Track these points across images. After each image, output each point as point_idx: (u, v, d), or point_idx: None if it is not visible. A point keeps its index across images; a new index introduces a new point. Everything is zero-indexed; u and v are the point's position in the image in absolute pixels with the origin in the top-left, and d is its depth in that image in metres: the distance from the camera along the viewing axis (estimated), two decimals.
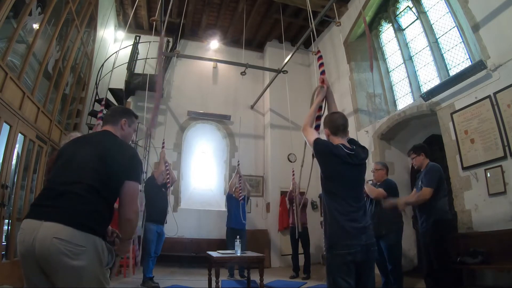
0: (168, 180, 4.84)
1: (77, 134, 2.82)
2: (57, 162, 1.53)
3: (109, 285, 1.39)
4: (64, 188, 1.35)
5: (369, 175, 3.22)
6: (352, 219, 1.78)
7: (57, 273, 1.22)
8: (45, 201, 1.35)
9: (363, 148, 2.01)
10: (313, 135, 2.00)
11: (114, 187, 1.45)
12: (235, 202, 5.58)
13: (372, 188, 3.62)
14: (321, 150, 1.91)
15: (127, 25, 5.60)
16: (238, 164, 6.09)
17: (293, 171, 6.05)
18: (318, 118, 2.26)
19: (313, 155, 2.06)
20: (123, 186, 1.46)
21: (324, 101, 2.30)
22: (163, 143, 5.31)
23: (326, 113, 2.26)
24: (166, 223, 4.71)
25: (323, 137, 2.02)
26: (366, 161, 2.02)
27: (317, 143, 1.93)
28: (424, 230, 3.14)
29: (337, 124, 1.99)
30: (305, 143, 2.19)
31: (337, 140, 1.96)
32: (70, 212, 1.30)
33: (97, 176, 1.41)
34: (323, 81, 2.32)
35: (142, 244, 4.63)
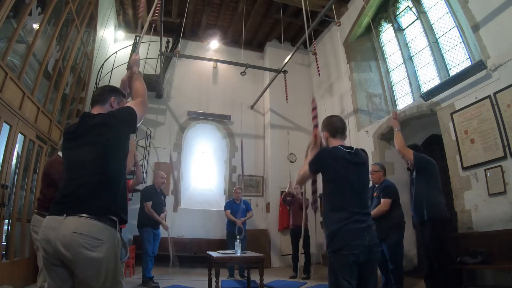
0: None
1: None
2: (64, 163, 1.57)
3: (123, 279, 1.47)
4: (75, 184, 1.42)
5: None
6: (355, 219, 1.78)
7: (78, 264, 1.32)
8: (63, 199, 1.43)
9: (363, 150, 2.04)
10: (305, 164, 2.04)
11: (115, 153, 1.49)
12: (235, 208, 5.55)
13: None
14: (320, 162, 1.95)
15: (128, 25, 5.59)
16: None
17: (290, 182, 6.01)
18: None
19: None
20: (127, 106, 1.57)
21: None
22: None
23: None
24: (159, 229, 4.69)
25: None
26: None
27: (313, 161, 1.97)
28: (422, 224, 3.13)
29: (336, 126, 2.03)
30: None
31: (335, 142, 2.00)
32: (87, 203, 1.38)
33: (102, 163, 1.45)
34: (316, 136, 2.23)
35: (140, 244, 4.63)
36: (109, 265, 1.36)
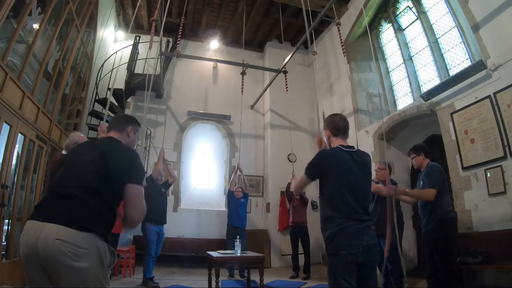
0: (167, 179, 4.85)
1: (77, 134, 2.82)
2: (61, 166, 1.54)
3: (110, 286, 1.41)
4: (67, 191, 1.37)
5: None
6: (354, 220, 1.77)
7: (60, 274, 1.25)
8: (48, 203, 1.37)
9: (366, 153, 2.04)
10: (306, 184, 2.07)
11: (115, 189, 1.45)
12: (235, 202, 5.58)
13: (377, 187, 3.57)
14: (319, 165, 1.94)
15: (128, 26, 5.58)
16: (239, 165, 6.04)
17: (292, 173, 6.02)
18: None
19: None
20: (126, 190, 1.46)
21: None
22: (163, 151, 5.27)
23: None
24: (165, 223, 4.71)
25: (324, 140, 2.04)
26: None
27: (311, 166, 1.97)
28: (428, 230, 3.12)
29: (339, 126, 2.02)
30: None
31: (337, 141, 1.99)
32: (73, 214, 1.32)
33: (98, 177, 1.42)
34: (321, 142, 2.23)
35: (143, 244, 4.63)
36: (94, 275, 1.30)
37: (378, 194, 3.57)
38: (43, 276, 1.28)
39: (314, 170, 1.95)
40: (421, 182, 3.24)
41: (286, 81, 6.74)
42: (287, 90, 6.75)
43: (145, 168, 6.53)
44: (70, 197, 1.35)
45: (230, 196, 5.77)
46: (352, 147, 1.97)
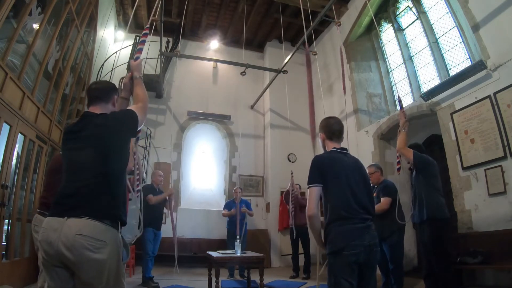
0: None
1: None
2: (64, 164, 1.55)
3: (125, 279, 1.49)
4: (79, 185, 1.41)
5: None
6: (355, 220, 1.77)
7: (81, 266, 1.32)
8: (64, 200, 1.41)
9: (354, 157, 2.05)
10: (318, 195, 1.93)
11: (121, 161, 1.50)
12: (235, 206, 5.53)
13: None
14: (320, 171, 1.90)
15: (127, 25, 5.59)
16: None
17: (291, 173, 5.98)
18: None
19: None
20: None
21: None
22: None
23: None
24: (160, 230, 4.67)
25: (317, 142, 2.04)
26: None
27: (319, 177, 1.88)
28: (421, 224, 3.11)
29: (333, 129, 2.03)
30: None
31: (331, 145, 2.01)
32: (88, 204, 1.37)
33: (102, 158, 1.45)
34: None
35: (140, 244, 4.62)
36: (112, 266, 1.36)
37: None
38: (64, 269, 1.35)
39: (316, 175, 1.90)
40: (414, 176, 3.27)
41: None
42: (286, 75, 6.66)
43: (145, 168, 6.60)
44: (82, 189, 1.40)
45: (227, 205, 5.68)
46: (345, 149, 2.00)
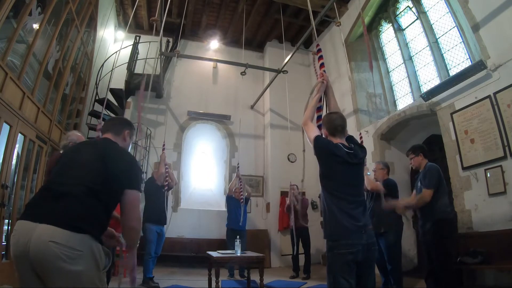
0: (167, 183, 4.77)
1: (75, 133, 2.81)
2: (57, 164, 1.53)
3: (105, 285, 1.38)
4: (62, 190, 1.33)
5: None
6: (352, 217, 1.78)
7: (52, 276, 1.20)
8: (41, 202, 1.33)
9: (361, 147, 2.03)
10: (314, 131, 1.99)
11: (113, 191, 1.45)
12: (235, 203, 5.57)
13: (370, 180, 3.61)
14: (321, 148, 1.91)
15: (127, 25, 5.59)
16: (238, 167, 6.01)
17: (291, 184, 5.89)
18: (319, 109, 2.25)
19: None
20: (124, 195, 1.46)
21: (323, 95, 2.30)
22: (164, 145, 5.24)
23: (325, 106, 2.27)
24: (166, 224, 4.70)
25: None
26: (365, 159, 2.03)
27: (318, 140, 1.93)
28: (425, 230, 3.13)
29: (335, 124, 1.99)
30: (304, 139, 2.17)
31: (335, 140, 1.97)
32: (67, 214, 1.27)
33: (96, 177, 1.40)
34: (322, 75, 2.31)
35: (142, 244, 4.62)
36: (89, 278, 1.25)
37: (376, 192, 3.58)
38: (35, 277, 1.24)
39: (319, 144, 1.93)
40: (419, 183, 3.24)
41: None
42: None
43: (145, 168, 6.60)
44: (65, 196, 1.31)
45: (229, 199, 5.74)
46: (351, 147, 1.96)
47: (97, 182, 1.39)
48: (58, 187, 1.35)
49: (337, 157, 1.86)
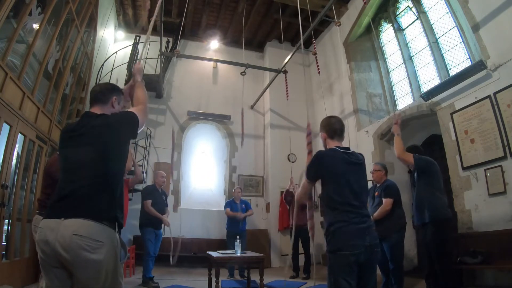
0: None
1: None
2: (60, 164, 1.54)
3: (123, 279, 1.48)
4: (73, 186, 1.40)
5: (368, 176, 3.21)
6: (355, 220, 1.77)
7: (78, 266, 1.31)
8: (60, 200, 1.41)
9: (359, 153, 2.04)
10: (309, 189, 2.08)
11: (121, 156, 1.51)
12: (235, 209, 5.55)
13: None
14: (317, 169, 1.95)
15: (128, 25, 5.59)
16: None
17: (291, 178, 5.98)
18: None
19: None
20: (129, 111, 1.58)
21: None
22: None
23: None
24: (161, 229, 4.67)
25: (319, 140, 2.04)
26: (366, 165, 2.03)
27: (309, 168, 1.97)
28: (425, 230, 3.12)
29: (334, 128, 2.03)
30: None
31: (333, 143, 2.00)
32: (86, 205, 1.37)
33: (100, 159, 1.44)
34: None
35: (141, 244, 4.63)
36: (109, 266, 1.36)
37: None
38: (62, 270, 1.35)
39: (315, 170, 1.95)
40: (415, 175, 3.28)
41: (287, 87, 6.71)
42: (287, 95, 6.71)
43: (145, 168, 6.60)
44: (80, 189, 1.39)
45: (228, 204, 5.70)
46: (348, 148, 1.98)
47: (103, 163, 1.44)
48: (69, 185, 1.42)
49: (334, 160, 1.88)
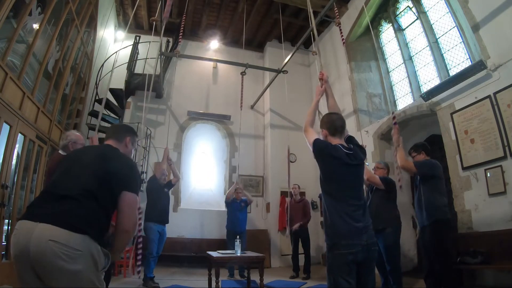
0: (166, 182, 4.84)
1: (74, 133, 2.81)
2: (58, 168, 1.54)
3: (103, 285, 1.39)
4: (63, 192, 1.35)
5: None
6: (352, 219, 1.78)
7: (52, 275, 1.21)
8: (42, 204, 1.35)
9: (361, 147, 2.03)
10: (313, 135, 2.01)
11: (112, 195, 1.45)
12: (234, 207, 5.57)
13: (367, 170, 3.49)
14: (320, 150, 1.92)
15: (127, 25, 5.59)
16: (238, 182, 6.02)
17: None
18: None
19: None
20: (121, 196, 1.44)
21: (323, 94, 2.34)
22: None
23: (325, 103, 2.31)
24: (168, 223, 4.70)
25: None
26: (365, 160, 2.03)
27: (316, 143, 1.94)
28: (424, 230, 3.13)
29: (336, 125, 2.00)
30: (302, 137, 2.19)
31: (335, 141, 1.97)
32: (67, 215, 1.29)
33: (96, 181, 1.41)
34: (322, 75, 2.46)
35: (144, 243, 4.63)
36: (88, 278, 1.27)
37: (374, 185, 3.58)
38: (34, 277, 1.24)
39: (318, 147, 1.93)
40: (418, 179, 3.25)
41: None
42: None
43: (144, 168, 6.60)
44: (66, 198, 1.33)
45: (228, 205, 5.71)
46: (350, 148, 1.96)
47: (97, 186, 1.40)
48: (58, 190, 1.37)
49: (336, 159, 1.86)
